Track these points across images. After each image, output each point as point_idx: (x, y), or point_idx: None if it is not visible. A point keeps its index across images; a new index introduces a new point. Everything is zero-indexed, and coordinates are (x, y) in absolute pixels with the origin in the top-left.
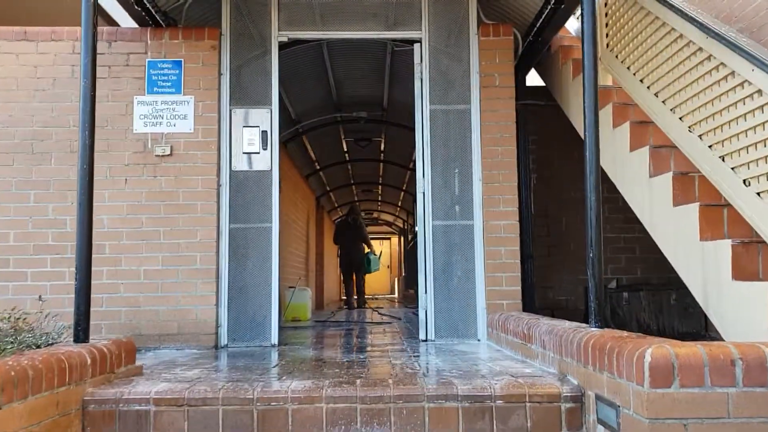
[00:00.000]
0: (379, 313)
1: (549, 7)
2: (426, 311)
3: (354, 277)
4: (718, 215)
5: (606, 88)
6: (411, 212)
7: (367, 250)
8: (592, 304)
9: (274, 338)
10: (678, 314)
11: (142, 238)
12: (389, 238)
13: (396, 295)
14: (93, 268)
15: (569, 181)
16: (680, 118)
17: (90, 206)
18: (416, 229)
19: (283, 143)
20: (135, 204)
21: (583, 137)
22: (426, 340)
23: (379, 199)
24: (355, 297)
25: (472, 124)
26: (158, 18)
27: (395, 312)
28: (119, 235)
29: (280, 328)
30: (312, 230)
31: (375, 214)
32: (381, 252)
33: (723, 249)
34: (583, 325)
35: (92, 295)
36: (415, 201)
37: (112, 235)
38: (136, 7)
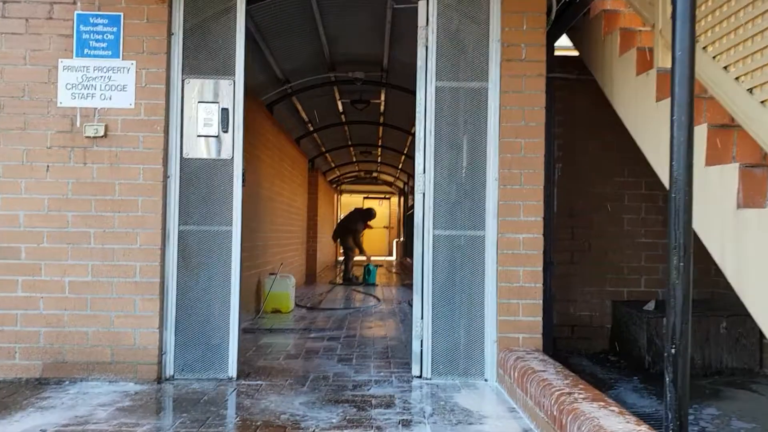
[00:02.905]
0: (374, 296)
1: None
2: (422, 341)
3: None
4: None
5: (666, 73)
6: (412, 175)
7: (364, 259)
8: (670, 425)
9: (232, 369)
10: (728, 346)
11: (68, 241)
12: (389, 198)
13: (394, 257)
14: (5, 278)
15: (601, 173)
16: None
17: None
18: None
19: (268, 105)
20: (59, 198)
21: (667, 180)
22: (420, 376)
23: (379, 160)
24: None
25: (489, 107)
26: None
27: (390, 296)
28: (38, 237)
29: (252, 331)
30: (303, 197)
31: (375, 174)
32: (378, 266)
33: None
34: None
35: (3, 312)
36: (414, 164)
37: (30, 236)
38: None
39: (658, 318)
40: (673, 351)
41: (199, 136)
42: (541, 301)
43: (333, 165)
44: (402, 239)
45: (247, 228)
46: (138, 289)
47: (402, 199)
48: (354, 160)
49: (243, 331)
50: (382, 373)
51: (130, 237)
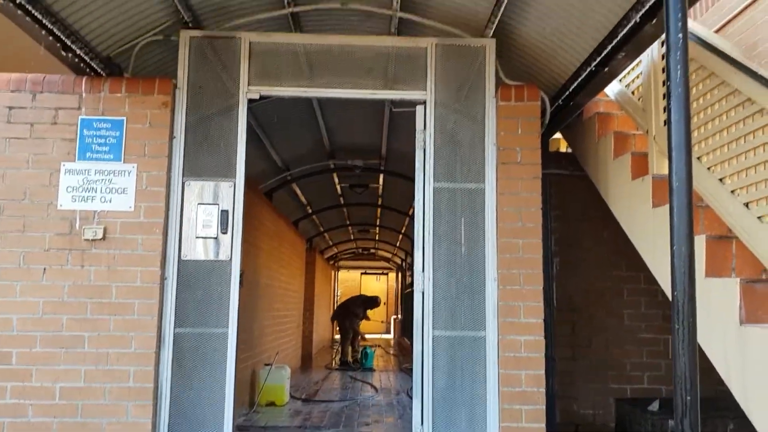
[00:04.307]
0: (372, 385)
1: (588, 69)
2: None
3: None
4: None
5: (662, 179)
6: (409, 252)
7: (363, 343)
8: None
9: None
10: None
11: (61, 346)
12: (386, 274)
13: (392, 335)
14: None
15: (599, 266)
16: None
17: None
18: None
19: (268, 192)
20: (55, 301)
21: (664, 283)
22: None
23: (377, 238)
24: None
25: (487, 208)
26: (95, 66)
27: (388, 384)
28: (31, 341)
29: (246, 429)
30: (300, 279)
31: (372, 251)
32: (375, 348)
33: None
34: None
35: None
36: (413, 248)
37: (22, 340)
38: (63, 53)
39: (663, 419)
40: None
41: (197, 237)
42: (544, 407)
43: (331, 243)
44: (400, 316)
45: (243, 318)
46: (131, 395)
47: (400, 275)
48: (352, 237)
49: (237, 429)
50: None
51: (125, 341)
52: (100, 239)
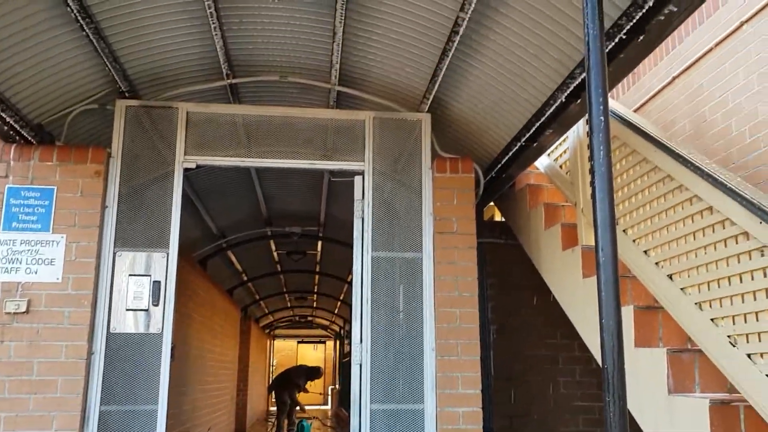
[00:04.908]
0: None
1: (519, 144)
2: None
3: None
4: None
5: (591, 250)
6: (347, 320)
7: (301, 415)
8: None
9: None
10: None
11: None
12: (324, 342)
13: (329, 406)
14: None
15: (535, 335)
16: (713, 320)
17: None
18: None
19: (202, 260)
20: None
21: (598, 354)
22: None
23: (314, 305)
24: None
25: (424, 277)
26: (25, 134)
27: None
28: None
29: None
30: (234, 349)
31: (310, 318)
32: (312, 421)
33: None
34: None
35: None
36: (351, 316)
37: None
38: None
39: None
40: None
41: (128, 309)
42: None
43: (267, 311)
44: (338, 387)
45: (173, 393)
46: None
47: (338, 343)
48: (289, 305)
49: None
50: None
51: (46, 421)
52: (23, 312)
